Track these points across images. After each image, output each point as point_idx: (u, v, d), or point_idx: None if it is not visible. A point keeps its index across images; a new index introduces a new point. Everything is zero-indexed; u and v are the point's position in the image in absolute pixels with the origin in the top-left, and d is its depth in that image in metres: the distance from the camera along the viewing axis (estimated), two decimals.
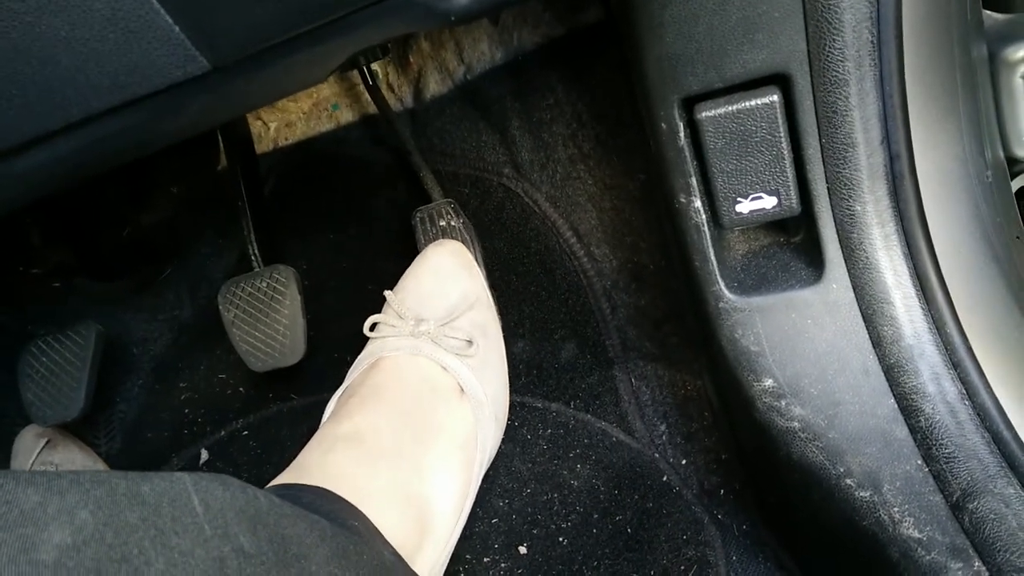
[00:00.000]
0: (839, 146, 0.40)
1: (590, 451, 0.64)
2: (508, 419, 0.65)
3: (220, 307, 0.74)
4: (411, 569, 0.46)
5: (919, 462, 0.42)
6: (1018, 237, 0.47)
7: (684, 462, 0.64)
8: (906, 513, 0.43)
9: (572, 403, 0.68)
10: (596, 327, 0.70)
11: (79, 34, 0.33)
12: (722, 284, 0.46)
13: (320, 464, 0.50)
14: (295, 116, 0.90)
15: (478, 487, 0.58)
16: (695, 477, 0.63)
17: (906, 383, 0.42)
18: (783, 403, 0.45)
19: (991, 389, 0.41)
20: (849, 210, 0.41)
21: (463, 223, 0.69)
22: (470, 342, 0.59)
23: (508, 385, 0.65)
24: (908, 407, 0.42)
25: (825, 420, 0.44)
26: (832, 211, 0.42)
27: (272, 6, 0.34)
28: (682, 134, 0.44)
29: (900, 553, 0.43)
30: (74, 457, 0.77)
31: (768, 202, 0.43)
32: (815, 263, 0.44)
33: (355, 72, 0.82)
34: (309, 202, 0.87)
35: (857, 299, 0.42)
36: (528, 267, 0.74)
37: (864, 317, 0.42)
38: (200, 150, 0.87)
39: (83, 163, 0.43)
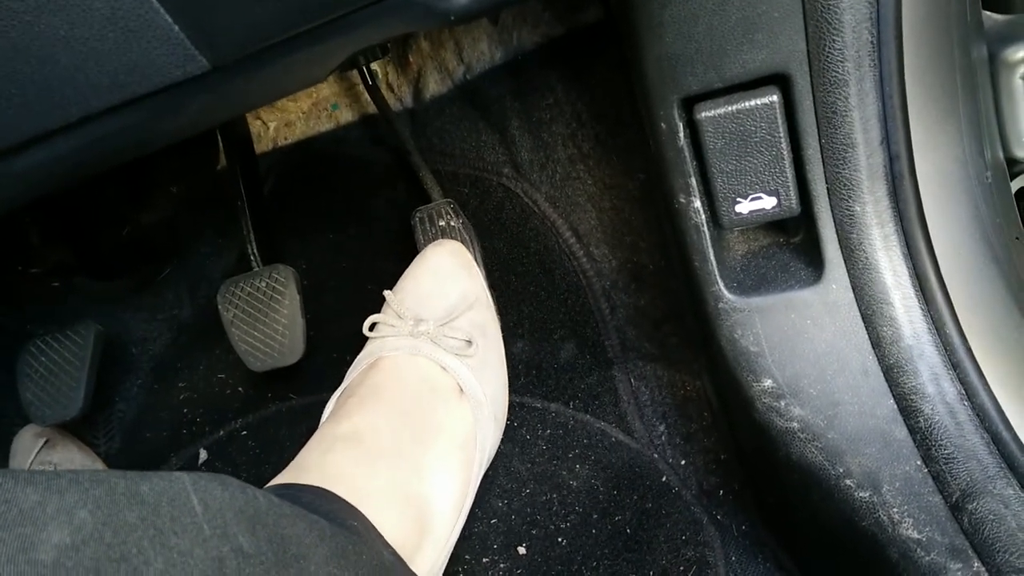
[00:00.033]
0: (839, 146, 0.40)
1: (589, 451, 0.64)
2: (507, 419, 0.65)
3: (219, 307, 0.74)
4: (410, 569, 0.46)
5: (918, 463, 0.42)
6: (1017, 238, 0.47)
7: (683, 462, 0.64)
8: (905, 514, 0.43)
9: (571, 403, 0.68)
10: (595, 327, 0.70)
11: (78, 33, 0.33)
12: (721, 284, 0.46)
13: (319, 464, 0.50)
14: (294, 116, 0.90)
15: (477, 487, 0.58)
16: (694, 477, 0.63)
17: (905, 384, 0.42)
18: (782, 403, 0.45)
19: (990, 390, 0.41)
20: (849, 210, 0.41)
21: (462, 223, 0.69)
22: (469, 342, 0.59)
23: (507, 385, 0.65)
24: (907, 408, 0.42)
25: (824, 420, 0.44)
26: (832, 211, 0.42)
27: (272, 5, 0.34)
28: (682, 134, 0.44)
29: (899, 554, 0.43)
30: (73, 457, 0.77)
31: (768, 202, 0.43)
32: (814, 263, 0.44)
33: (355, 72, 0.82)
34: (308, 202, 0.87)
35: (856, 299, 0.42)
36: (527, 267, 0.74)
37: (863, 317, 0.42)
38: (200, 150, 0.87)
39: (82, 162, 0.43)
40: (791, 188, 0.42)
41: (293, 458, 0.52)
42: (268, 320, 0.73)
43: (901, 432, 0.43)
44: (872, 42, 0.38)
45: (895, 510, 0.43)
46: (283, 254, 0.83)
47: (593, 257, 0.71)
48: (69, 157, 0.41)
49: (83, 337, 0.76)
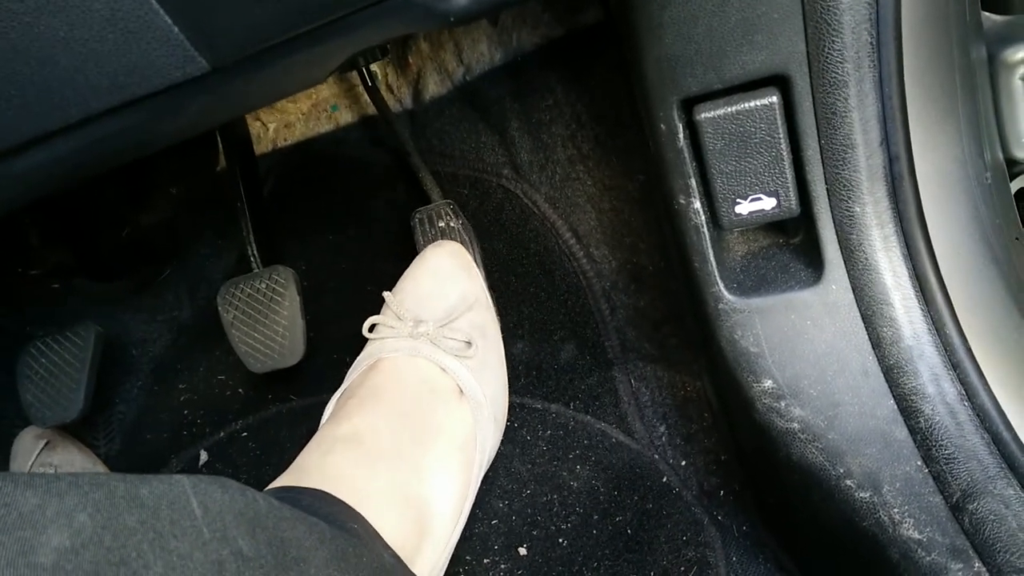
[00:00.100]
0: (838, 147, 0.40)
1: (590, 452, 0.64)
2: (507, 420, 0.65)
3: (219, 308, 0.74)
4: (411, 571, 0.46)
5: (919, 463, 0.42)
6: (1017, 238, 0.47)
7: (684, 463, 0.64)
8: (906, 514, 0.43)
9: (571, 404, 0.68)
10: (595, 328, 0.70)
11: (78, 34, 0.33)
12: (721, 285, 0.46)
13: (319, 466, 0.50)
14: (294, 117, 0.90)
15: (477, 488, 0.58)
16: (695, 478, 0.63)
17: (905, 384, 0.42)
18: (783, 404, 0.45)
19: (990, 390, 0.41)
20: (848, 211, 0.41)
21: (462, 224, 0.69)
22: (469, 343, 0.59)
23: (507, 386, 0.65)
24: (908, 408, 0.42)
25: (825, 421, 0.44)
26: (831, 212, 0.42)
27: (271, 6, 0.34)
28: (681, 135, 0.44)
29: (900, 554, 0.43)
30: (73, 458, 0.77)
31: (767, 203, 0.43)
32: (814, 264, 0.44)
33: (354, 73, 0.82)
34: (308, 203, 0.87)
35: (856, 300, 0.42)
36: (527, 268, 0.74)
37: (863, 318, 0.42)
38: (199, 151, 0.87)
39: (82, 163, 0.43)
40: (791, 189, 0.42)
41: (293, 459, 0.52)
42: (268, 321, 0.73)
43: (901, 432, 0.43)
44: (871, 43, 0.38)
45: (896, 510, 0.43)
46: (283, 255, 0.83)
47: (593, 258, 0.71)
48: (69, 158, 0.41)
49: (83, 339, 0.76)
